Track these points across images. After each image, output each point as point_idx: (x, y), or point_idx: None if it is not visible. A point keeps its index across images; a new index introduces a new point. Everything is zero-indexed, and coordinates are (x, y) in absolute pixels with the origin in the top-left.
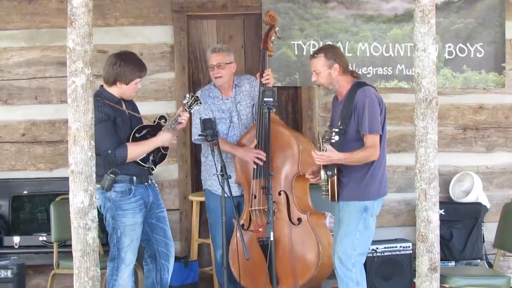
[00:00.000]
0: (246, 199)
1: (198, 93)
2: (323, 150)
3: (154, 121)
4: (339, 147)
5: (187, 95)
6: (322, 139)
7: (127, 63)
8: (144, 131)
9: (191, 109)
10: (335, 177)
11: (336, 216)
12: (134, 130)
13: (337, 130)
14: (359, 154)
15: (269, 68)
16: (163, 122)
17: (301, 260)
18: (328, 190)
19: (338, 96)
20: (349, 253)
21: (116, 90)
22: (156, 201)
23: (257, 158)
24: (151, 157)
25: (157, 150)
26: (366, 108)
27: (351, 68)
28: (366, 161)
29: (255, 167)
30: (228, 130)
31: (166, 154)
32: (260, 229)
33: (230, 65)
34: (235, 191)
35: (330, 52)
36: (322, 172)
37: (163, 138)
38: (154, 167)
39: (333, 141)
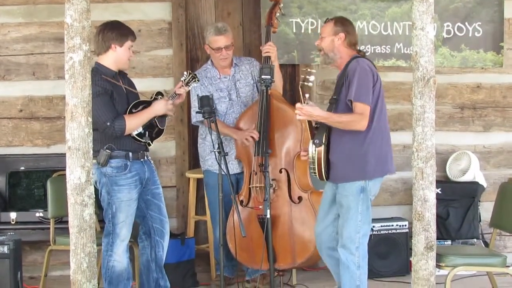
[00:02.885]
0: (246, 175)
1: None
2: (305, 103)
3: (151, 97)
4: None
5: (185, 73)
6: (301, 82)
7: (115, 26)
8: (141, 107)
9: (189, 86)
10: (323, 152)
11: (325, 193)
12: (131, 106)
13: (313, 70)
14: (343, 117)
15: (272, 41)
16: (160, 98)
17: (301, 238)
18: (315, 164)
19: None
20: (353, 237)
21: (112, 58)
22: (152, 177)
23: (251, 137)
24: (147, 133)
25: (154, 126)
26: (355, 76)
27: (360, 48)
28: (351, 127)
29: (253, 143)
30: (227, 109)
31: (163, 129)
32: (260, 206)
33: (233, 43)
34: (235, 168)
35: (340, 21)
36: (310, 143)
37: (157, 106)
38: (151, 142)
39: (310, 84)
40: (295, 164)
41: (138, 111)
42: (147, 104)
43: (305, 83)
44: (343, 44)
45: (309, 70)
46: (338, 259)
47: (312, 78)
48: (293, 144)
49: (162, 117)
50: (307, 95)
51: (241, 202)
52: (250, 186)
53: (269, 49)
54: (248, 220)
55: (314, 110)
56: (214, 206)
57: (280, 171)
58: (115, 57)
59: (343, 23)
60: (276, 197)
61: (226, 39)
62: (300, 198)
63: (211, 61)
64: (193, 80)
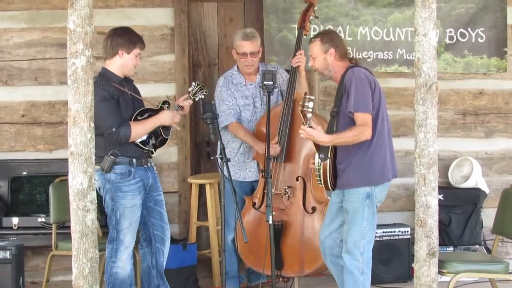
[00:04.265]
0: (262, 178)
1: (221, 80)
2: (307, 125)
3: (158, 106)
4: (331, 130)
5: (193, 83)
6: (300, 108)
7: (125, 32)
8: (146, 115)
9: (196, 97)
10: (329, 164)
11: (331, 200)
12: (137, 113)
13: (312, 97)
14: (347, 133)
15: (302, 50)
16: (166, 107)
17: (311, 249)
18: (321, 175)
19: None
20: (358, 242)
21: (118, 64)
22: (154, 184)
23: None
24: (151, 141)
25: (158, 134)
26: (352, 86)
27: (350, 55)
28: (357, 140)
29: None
30: (252, 117)
31: (167, 138)
32: (273, 213)
33: (260, 50)
34: (254, 175)
35: (327, 37)
36: (316, 156)
37: (164, 116)
38: (153, 151)
39: (310, 110)
40: (313, 173)
41: (144, 118)
42: (153, 112)
43: (305, 109)
44: (336, 59)
45: (308, 97)
46: (342, 266)
47: (311, 104)
48: (313, 153)
49: (167, 126)
50: (309, 115)
51: (254, 204)
52: (265, 191)
53: (300, 59)
54: (259, 224)
55: (317, 135)
56: (227, 211)
57: (297, 179)
58: (121, 63)
59: (330, 38)
60: (290, 205)
61: (252, 45)
62: (314, 209)
63: (237, 66)
64: (201, 91)
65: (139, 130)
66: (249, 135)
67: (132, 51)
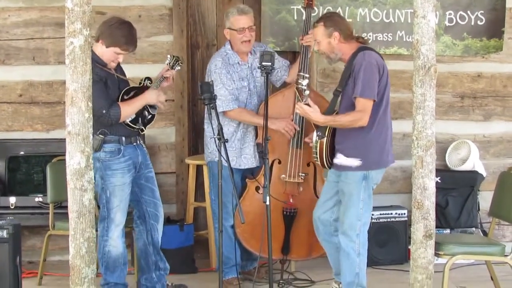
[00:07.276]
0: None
1: (219, 60)
2: (306, 104)
3: (140, 83)
4: (333, 108)
5: (168, 56)
6: (295, 85)
7: (118, 28)
8: (132, 93)
9: (174, 69)
10: (326, 142)
11: (328, 180)
12: (122, 92)
13: (306, 75)
14: (344, 118)
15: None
16: (149, 83)
17: None
18: (317, 153)
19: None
20: (354, 224)
21: (99, 50)
22: (144, 161)
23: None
24: (140, 119)
25: (146, 112)
26: (361, 70)
27: (356, 34)
28: (353, 125)
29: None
30: (247, 99)
31: (154, 115)
32: (291, 200)
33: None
34: (248, 162)
35: (329, 20)
36: (314, 133)
37: (150, 95)
38: (144, 128)
39: (303, 87)
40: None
41: (130, 97)
42: (137, 90)
43: (299, 86)
44: (340, 41)
45: (302, 74)
46: (335, 243)
47: (305, 82)
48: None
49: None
50: (306, 93)
51: (257, 188)
52: (284, 179)
53: (311, 38)
54: (263, 207)
55: (312, 113)
56: (226, 195)
57: (308, 165)
58: (100, 52)
59: (333, 21)
60: (302, 191)
61: (249, 19)
62: None
63: (230, 45)
64: (177, 62)
65: (128, 110)
66: (257, 116)
67: (111, 47)
